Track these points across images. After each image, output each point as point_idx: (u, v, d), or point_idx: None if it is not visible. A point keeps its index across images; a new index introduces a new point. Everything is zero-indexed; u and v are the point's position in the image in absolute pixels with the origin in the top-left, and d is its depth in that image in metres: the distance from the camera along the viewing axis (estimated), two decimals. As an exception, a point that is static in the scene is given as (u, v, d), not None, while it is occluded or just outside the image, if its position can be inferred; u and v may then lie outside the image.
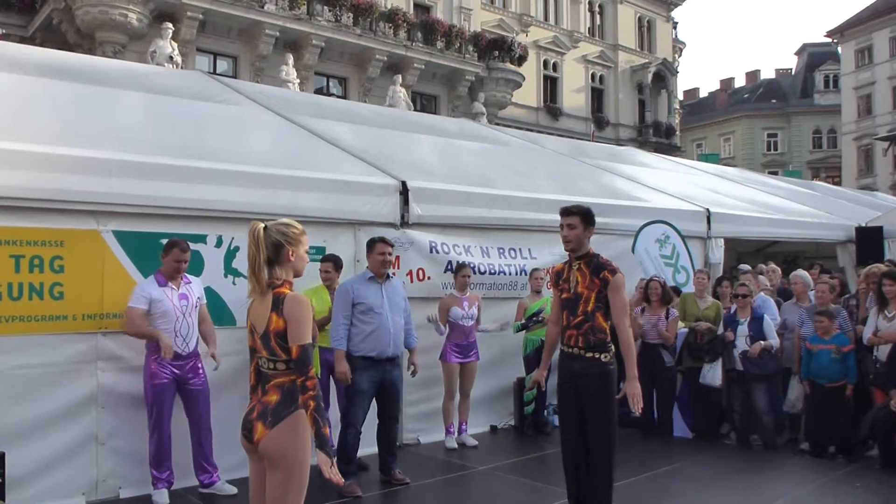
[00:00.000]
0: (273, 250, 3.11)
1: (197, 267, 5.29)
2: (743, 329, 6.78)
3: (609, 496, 4.39)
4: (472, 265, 6.77)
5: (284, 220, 3.21)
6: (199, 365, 5.00)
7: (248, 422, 3.11)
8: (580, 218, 4.46)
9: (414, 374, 5.77)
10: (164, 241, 4.96)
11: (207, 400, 5.02)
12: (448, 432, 6.52)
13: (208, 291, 5.24)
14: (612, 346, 4.44)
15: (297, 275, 3.19)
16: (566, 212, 4.51)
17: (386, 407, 5.45)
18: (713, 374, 6.92)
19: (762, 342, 6.66)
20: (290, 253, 3.13)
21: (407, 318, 5.58)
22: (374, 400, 5.41)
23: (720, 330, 6.97)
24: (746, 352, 6.69)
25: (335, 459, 3.00)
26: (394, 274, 5.80)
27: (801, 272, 7.77)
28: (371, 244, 5.46)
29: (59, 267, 4.75)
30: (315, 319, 5.51)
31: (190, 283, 5.03)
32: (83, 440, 4.83)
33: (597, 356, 4.37)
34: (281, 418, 2.99)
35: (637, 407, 4.23)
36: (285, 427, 2.98)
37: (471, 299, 6.55)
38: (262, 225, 3.13)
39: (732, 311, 7.01)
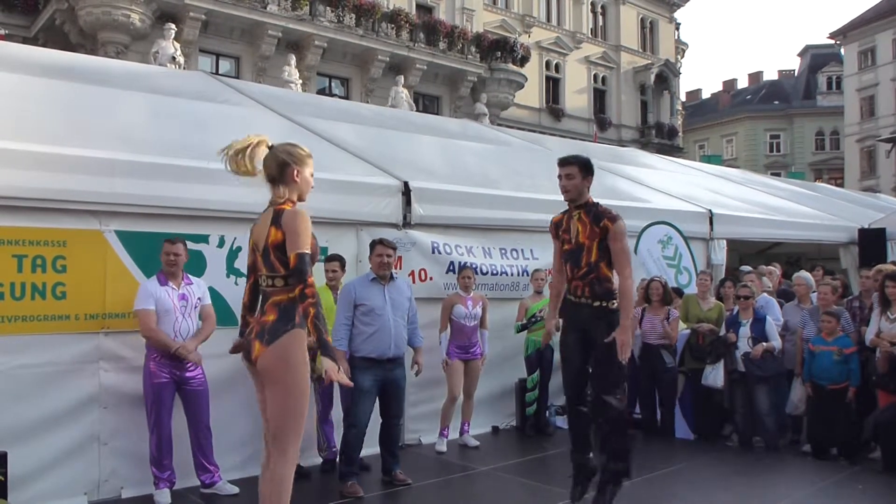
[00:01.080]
0: (278, 169, 3.15)
1: (199, 267, 5.29)
2: (745, 330, 6.77)
3: (628, 448, 4.40)
4: (474, 266, 6.77)
5: (291, 141, 3.24)
6: (199, 366, 4.99)
7: (247, 342, 3.16)
8: (578, 167, 4.45)
9: (418, 373, 5.77)
10: (166, 242, 4.97)
11: (207, 400, 5.02)
12: (441, 434, 6.50)
13: (210, 291, 5.23)
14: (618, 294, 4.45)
15: (300, 198, 3.22)
16: (564, 161, 4.50)
17: (389, 407, 5.45)
18: (715, 375, 6.91)
19: (764, 343, 6.65)
20: (295, 173, 3.17)
21: (412, 318, 5.57)
22: (377, 400, 5.40)
23: (722, 331, 6.96)
24: (749, 353, 6.68)
25: (340, 365, 3.07)
26: (397, 274, 5.80)
27: (803, 273, 7.76)
28: (371, 246, 5.49)
29: (62, 267, 4.76)
30: None
31: (191, 283, 5.03)
32: (85, 440, 4.84)
33: (604, 304, 4.37)
34: (278, 336, 3.04)
35: (624, 356, 4.26)
36: (282, 344, 3.03)
37: (475, 299, 6.54)
38: (266, 140, 3.16)
39: (735, 312, 7.00)
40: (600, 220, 4.36)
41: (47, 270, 4.71)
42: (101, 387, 4.90)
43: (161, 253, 4.90)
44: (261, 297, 3.21)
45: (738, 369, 6.79)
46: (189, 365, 4.91)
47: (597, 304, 4.38)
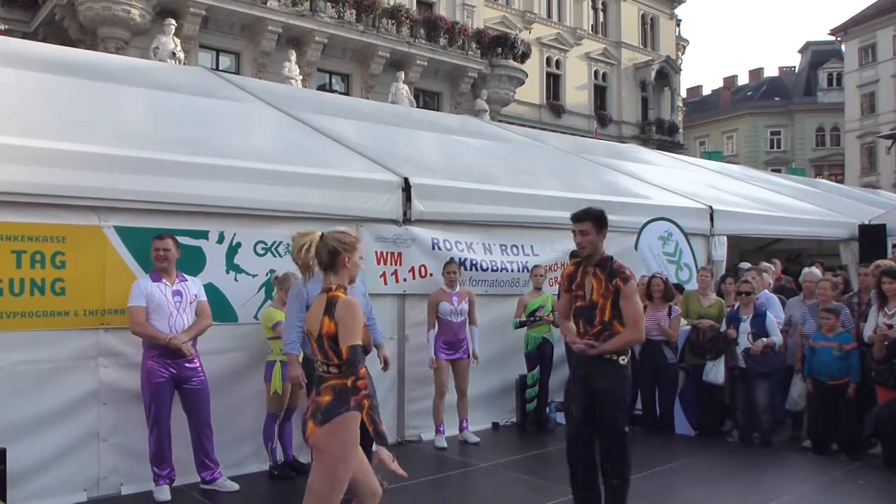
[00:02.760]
0: (329, 257, 3.31)
1: (198, 263, 5.29)
2: (745, 326, 6.77)
3: (628, 464, 4.32)
4: (474, 262, 6.76)
5: (339, 228, 3.44)
6: (198, 363, 4.98)
7: (303, 421, 3.38)
8: (592, 223, 4.31)
9: (385, 368, 5.65)
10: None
11: (207, 397, 5.01)
12: (438, 431, 6.49)
13: (210, 288, 5.23)
14: (629, 350, 4.41)
15: (351, 281, 3.37)
16: (577, 218, 4.35)
17: None
18: (716, 371, 6.91)
19: (765, 339, 6.65)
20: (346, 259, 3.31)
21: (369, 314, 5.31)
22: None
23: (723, 327, 6.96)
24: (749, 349, 6.68)
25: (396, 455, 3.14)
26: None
27: (813, 270, 7.74)
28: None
29: (61, 262, 4.75)
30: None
31: (186, 280, 5.01)
32: (85, 436, 4.84)
33: (613, 358, 4.30)
34: (331, 417, 3.20)
35: (577, 346, 4.32)
36: (334, 425, 3.19)
37: (461, 294, 6.47)
38: (319, 233, 3.35)
39: (735, 308, 6.99)
40: (613, 279, 4.26)
41: (46, 266, 4.70)
42: (100, 383, 4.89)
43: (151, 250, 4.88)
44: (318, 380, 3.35)
45: (739, 365, 6.78)
46: (187, 361, 4.90)
47: (607, 357, 4.30)
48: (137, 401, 4.92)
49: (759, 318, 6.76)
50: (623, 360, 4.32)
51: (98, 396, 4.89)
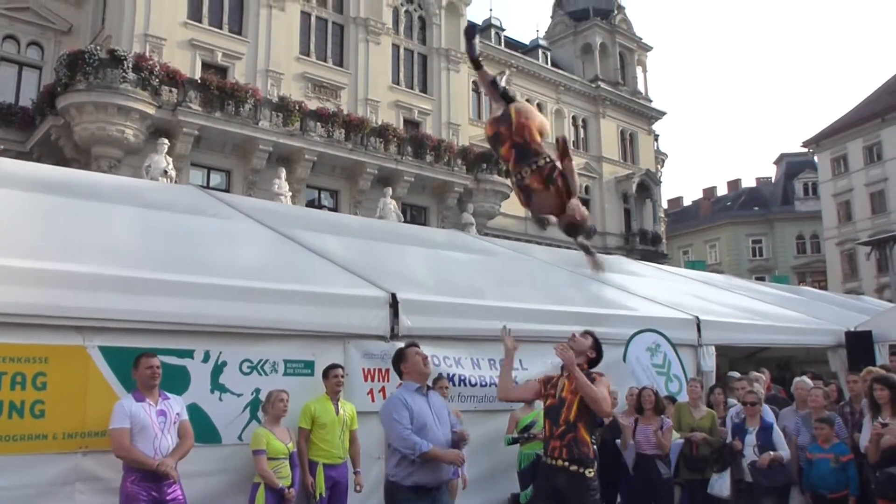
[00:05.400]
0: None
1: (183, 382, 5.19)
2: (751, 438, 6.63)
3: None
4: (462, 377, 6.68)
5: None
6: (179, 486, 4.80)
7: None
8: (594, 340, 4.87)
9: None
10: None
11: (187, 523, 4.81)
12: None
13: (193, 408, 5.11)
14: (596, 463, 4.45)
15: None
16: (585, 332, 4.99)
17: None
18: (721, 484, 6.71)
19: (772, 452, 6.50)
20: None
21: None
22: None
23: (728, 438, 6.81)
24: (755, 462, 6.52)
25: None
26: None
27: (804, 378, 7.70)
28: (403, 352, 5.08)
29: (42, 384, 4.65)
30: (311, 429, 5.37)
31: (168, 399, 4.90)
32: (57, 568, 4.59)
33: (581, 470, 4.32)
34: None
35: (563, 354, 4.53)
36: None
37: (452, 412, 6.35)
38: None
39: (741, 418, 6.86)
40: (589, 377, 4.50)
41: (27, 388, 4.59)
42: (75, 510, 4.69)
43: (139, 368, 4.78)
44: None
45: (745, 479, 6.60)
46: (168, 484, 4.72)
47: (573, 468, 4.33)
48: (114, 528, 4.71)
49: (766, 431, 6.64)
50: (590, 472, 4.33)
51: (72, 524, 4.68)
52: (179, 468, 4.84)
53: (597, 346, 4.90)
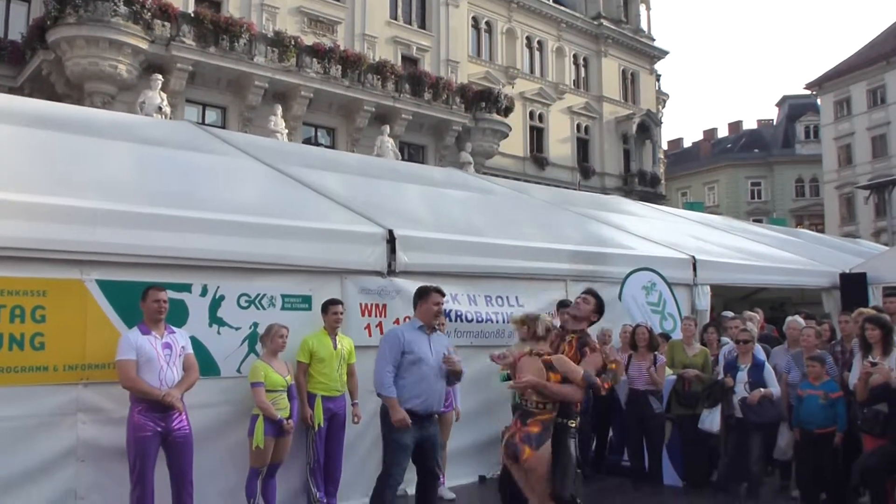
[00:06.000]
0: (546, 333, 4.85)
1: (181, 316, 5.23)
2: (743, 376, 6.71)
3: None
4: (459, 313, 6.74)
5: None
6: (185, 417, 4.90)
7: (512, 444, 4.73)
8: (596, 302, 5.14)
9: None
10: (147, 291, 4.91)
11: (191, 452, 4.91)
12: None
13: (192, 341, 5.15)
14: (578, 417, 4.91)
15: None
16: (589, 291, 5.28)
17: (426, 462, 5.25)
18: (712, 419, 6.84)
19: (762, 389, 6.61)
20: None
21: None
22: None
23: (720, 375, 6.91)
24: (746, 398, 6.64)
25: None
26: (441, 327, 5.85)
27: (797, 318, 7.76)
28: (424, 292, 5.34)
29: (41, 317, 4.69)
30: (309, 362, 5.48)
31: (174, 332, 4.96)
32: (61, 495, 4.70)
33: (563, 421, 4.79)
34: (541, 444, 4.62)
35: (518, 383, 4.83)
36: (544, 449, 4.62)
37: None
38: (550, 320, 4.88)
39: (734, 356, 6.95)
40: (583, 348, 4.89)
41: (26, 320, 4.64)
42: (78, 440, 4.78)
43: (147, 301, 4.83)
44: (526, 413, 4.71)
45: (735, 415, 6.73)
46: (174, 415, 4.81)
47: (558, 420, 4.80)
48: (117, 458, 4.80)
49: (757, 368, 6.72)
50: (572, 423, 4.84)
51: (76, 454, 4.77)
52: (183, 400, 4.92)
53: (599, 308, 5.15)
